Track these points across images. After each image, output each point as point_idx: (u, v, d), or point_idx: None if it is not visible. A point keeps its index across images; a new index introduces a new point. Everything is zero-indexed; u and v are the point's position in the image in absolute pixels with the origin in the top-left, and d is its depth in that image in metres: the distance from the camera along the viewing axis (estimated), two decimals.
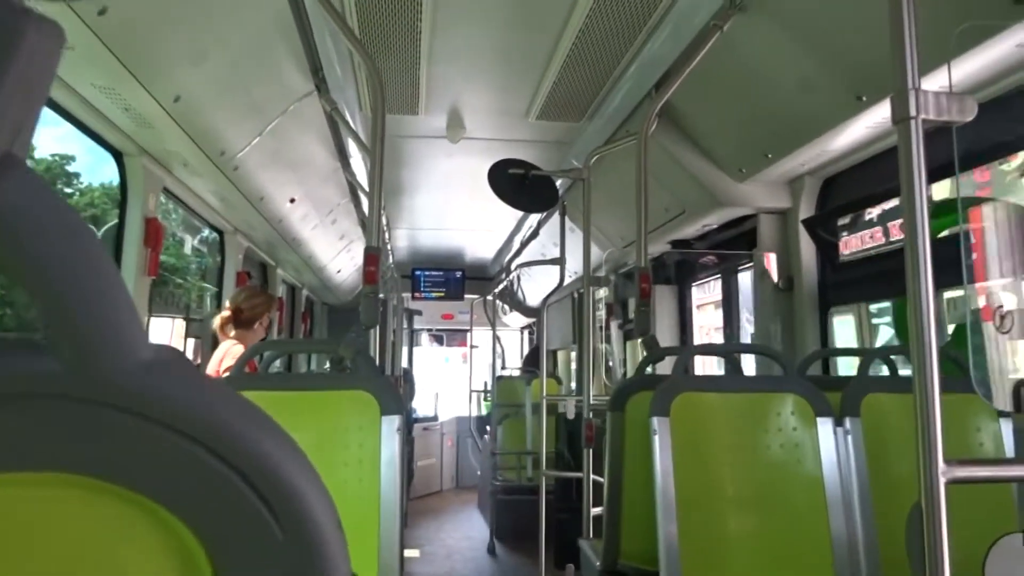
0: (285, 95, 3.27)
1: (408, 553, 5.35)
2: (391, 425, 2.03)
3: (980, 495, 1.51)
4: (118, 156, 2.88)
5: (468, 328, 10.52)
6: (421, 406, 10.67)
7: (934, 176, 2.65)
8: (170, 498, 0.44)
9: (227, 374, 2.23)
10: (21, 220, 0.42)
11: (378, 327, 5.02)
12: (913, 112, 1.15)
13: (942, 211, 2.68)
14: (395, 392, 2.13)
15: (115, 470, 0.44)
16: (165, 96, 2.47)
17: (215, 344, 3.41)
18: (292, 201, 4.49)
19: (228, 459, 0.44)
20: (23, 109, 0.43)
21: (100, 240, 0.46)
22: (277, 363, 2.68)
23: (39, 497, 0.44)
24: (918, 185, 1.15)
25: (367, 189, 4.20)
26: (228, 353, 3.20)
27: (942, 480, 1.08)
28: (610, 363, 6.56)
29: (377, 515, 2.00)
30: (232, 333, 3.34)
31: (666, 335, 5.17)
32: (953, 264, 2.46)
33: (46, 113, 2.50)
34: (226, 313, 3.37)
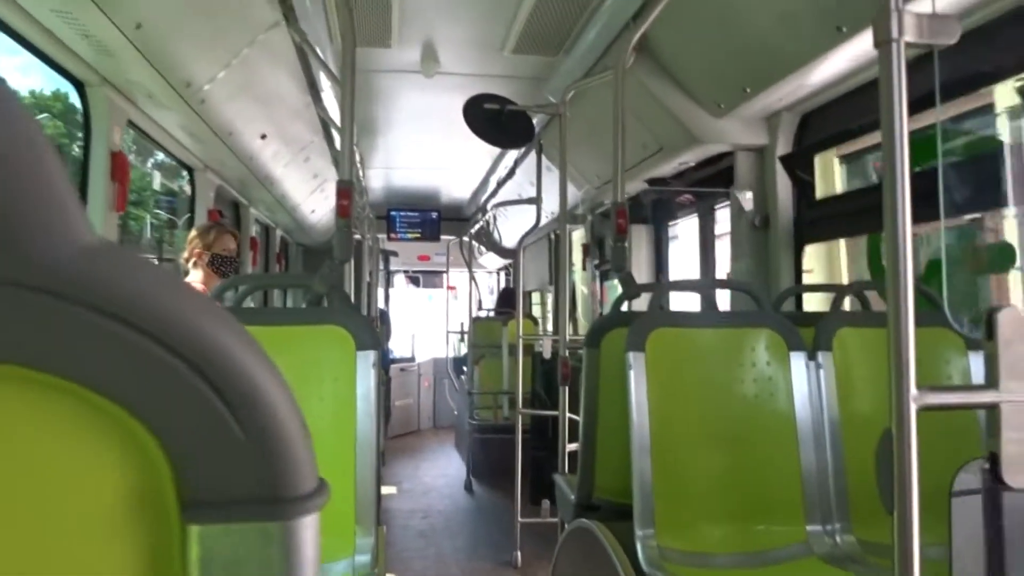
0: (252, 25, 3.16)
1: (385, 490, 5.43)
2: (366, 360, 2.01)
3: (949, 427, 1.53)
4: (80, 86, 2.78)
5: (444, 270, 10.50)
6: (398, 347, 10.70)
7: (915, 107, 2.64)
8: (116, 389, 0.42)
9: None
10: None
11: (354, 268, 4.97)
12: (895, 34, 1.12)
13: (921, 144, 2.66)
14: (370, 327, 2.11)
15: (53, 359, 0.41)
16: (126, 23, 2.37)
17: None
18: (263, 137, 4.38)
19: (180, 351, 0.42)
20: None
21: (37, 121, 0.42)
22: (251, 302, 2.65)
23: None
24: (898, 112, 1.13)
25: (339, 124, 4.10)
26: None
27: (913, 406, 1.09)
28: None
29: (353, 451, 1.99)
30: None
31: (643, 274, 5.18)
32: (927, 199, 2.46)
33: (4, 42, 2.40)
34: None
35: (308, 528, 0.45)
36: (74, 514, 0.43)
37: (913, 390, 1.09)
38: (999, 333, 1.06)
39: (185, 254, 3.30)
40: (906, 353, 1.10)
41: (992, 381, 1.07)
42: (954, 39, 1.15)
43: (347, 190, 2.16)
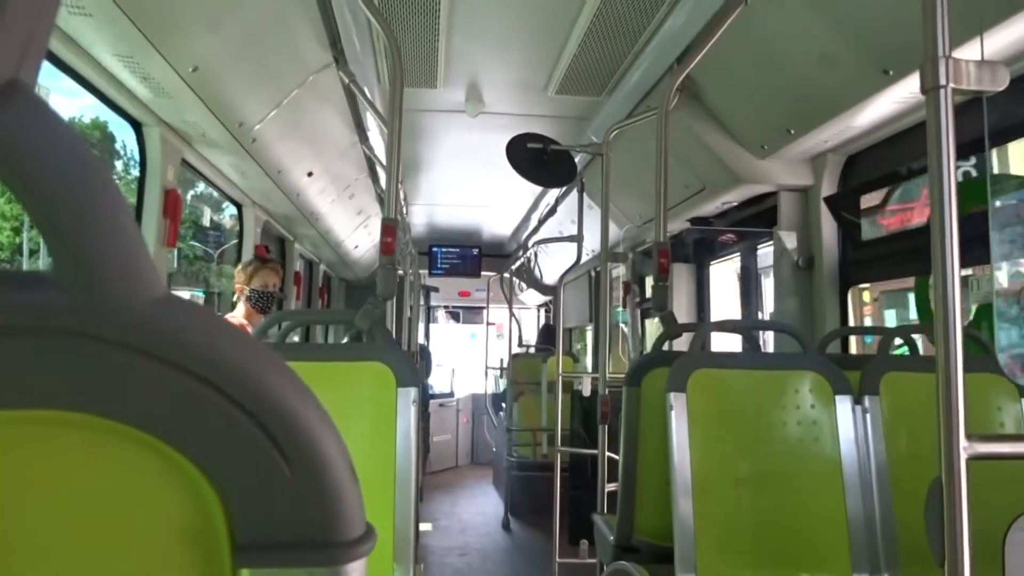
0: (303, 67, 3.26)
1: (421, 527, 5.43)
2: (407, 397, 2.02)
3: (1001, 474, 1.49)
4: (136, 126, 2.88)
5: (485, 305, 10.53)
6: (437, 382, 10.73)
7: (962, 152, 2.61)
8: (179, 438, 0.44)
9: None
10: (28, 151, 0.40)
11: (395, 303, 5.03)
12: (943, 81, 1.12)
13: (966, 188, 2.63)
14: (411, 364, 2.12)
15: (122, 408, 0.43)
16: (183, 66, 2.46)
17: None
18: (310, 175, 4.48)
19: (239, 400, 0.44)
20: (30, 29, 0.41)
21: (111, 175, 0.45)
22: (293, 336, 2.70)
23: (42, 435, 0.44)
24: (946, 158, 1.12)
25: (385, 163, 4.19)
26: None
27: (963, 455, 1.07)
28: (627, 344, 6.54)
29: (392, 487, 2.00)
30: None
31: (683, 313, 5.14)
32: (976, 242, 2.42)
33: (67, 84, 2.50)
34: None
35: (356, 573, 0.46)
36: (133, 554, 0.44)
37: (963, 439, 1.07)
38: None
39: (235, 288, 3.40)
40: (955, 401, 1.08)
41: None
42: (1002, 86, 1.14)
43: (392, 227, 2.20)
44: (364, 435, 2.02)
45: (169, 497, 0.44)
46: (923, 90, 1.14)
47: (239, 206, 4.40)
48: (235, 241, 4.47)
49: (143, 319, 0.43)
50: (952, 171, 1.12)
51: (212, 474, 0.44)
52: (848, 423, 2.20)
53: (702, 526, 2.08)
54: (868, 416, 2.19)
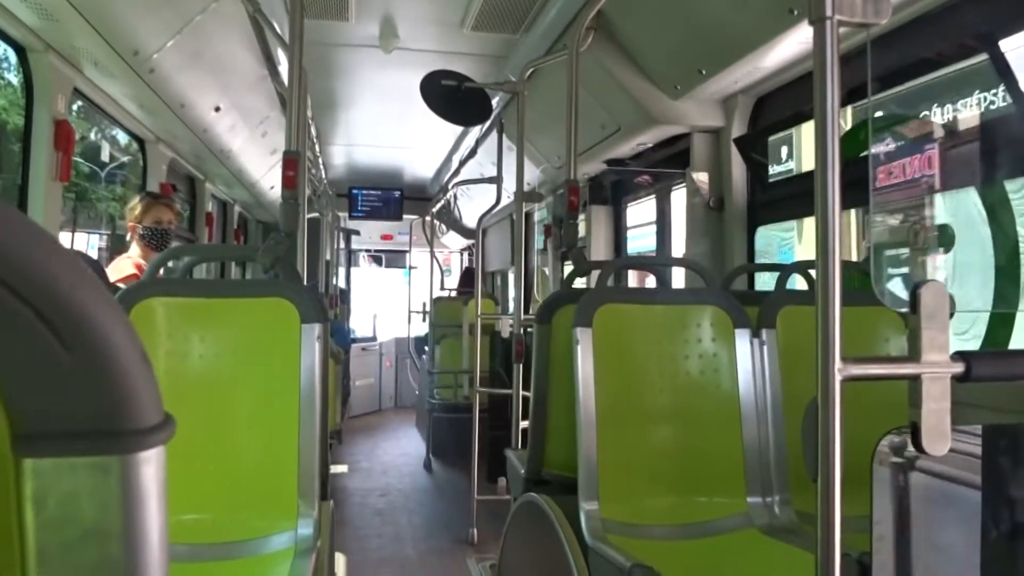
0: None
1: (336, 468, 5.41)
2: (311, 333, 1.99)
3: (879, 400, 1.57)
4: (21, 52, 2.70)
5: (407, 249, 10.44)
6: (360, 326, 10.66)
7: (853, 97, 2.67)
8: None
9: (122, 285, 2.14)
10: None
11: (311, 245, 4.92)
12: (828, 12, 1.13)
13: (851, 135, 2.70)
14: (316, 300, 2.08)
15: None
16: None
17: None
18: (217, 110, 4.31)
19: (7, 282, 0.40)
20: None
21: None
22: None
23: None
24: (830, 91, 1.14)
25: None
26: (114, 268, 3.16)
27: (838, 377, 1.12)
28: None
29: (296, 423, 1.97)
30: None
31: (602, 254, 5.20)
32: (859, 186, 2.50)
33: None
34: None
35: (151, 462, 0.44)
36: None
37: (838, 362, 1.12)
38: (922, 306, 1.09)
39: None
40: (832, 326, 1.13)
41: (914, 353, 1.10)
42: (885, 18, 1.16)
43: (293, 160, 2.13)
44: (267, 372, 1.98)
45: None
46: (810, 22, 1.15)
47: (141, 142, 4.20)
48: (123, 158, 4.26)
49: None
50: (836, 105, 1.14)
51: None
52: (747, 356, 2.27)
53: (605, 456, 2.14)
54: (765, 348, 2.27)
